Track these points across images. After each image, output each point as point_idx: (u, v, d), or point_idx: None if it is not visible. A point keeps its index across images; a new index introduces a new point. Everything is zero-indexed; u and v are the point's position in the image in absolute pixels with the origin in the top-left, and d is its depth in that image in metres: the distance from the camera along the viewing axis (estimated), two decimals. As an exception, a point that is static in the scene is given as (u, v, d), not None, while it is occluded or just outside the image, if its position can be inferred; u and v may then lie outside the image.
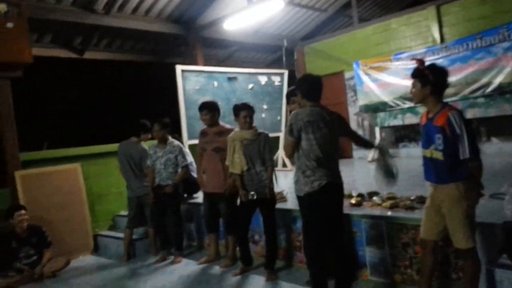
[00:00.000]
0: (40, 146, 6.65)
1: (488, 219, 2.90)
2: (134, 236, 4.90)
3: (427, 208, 2.67)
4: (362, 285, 3.37)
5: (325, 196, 2.86)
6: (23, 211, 4.48)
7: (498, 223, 2.72)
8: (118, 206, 5.57)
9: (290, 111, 3.29)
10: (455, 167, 2.44)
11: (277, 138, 7.45)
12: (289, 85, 7.22)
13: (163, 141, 4.56)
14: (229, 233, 4.20)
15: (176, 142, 4.65)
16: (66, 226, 5.10)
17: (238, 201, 3.91)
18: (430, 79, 2.50)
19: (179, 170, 4.53)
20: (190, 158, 5.07)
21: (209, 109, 4.17)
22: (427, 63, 2.64)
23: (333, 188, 2.91)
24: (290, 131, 2.93)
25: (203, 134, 4.28)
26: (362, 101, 7.84)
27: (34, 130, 6.38)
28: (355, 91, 8.16)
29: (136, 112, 6.39)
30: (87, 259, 5.13)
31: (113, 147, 5.28)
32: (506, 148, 6.59)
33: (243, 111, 3.75)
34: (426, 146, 2.59)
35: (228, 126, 4.23)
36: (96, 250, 5.39)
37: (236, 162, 3.74)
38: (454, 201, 2.44)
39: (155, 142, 4.66)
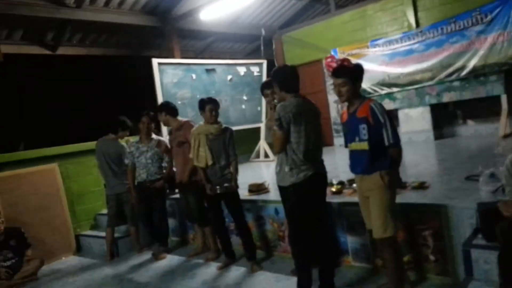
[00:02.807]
0: (17, 147, 6.47)
1: (464, 200, 2.97)
2: (116, 235, 4.84)
3: (360, 201, 2.84)
4: (345, 270, 3.43)
5: (310, 187, 2.85)
6: None
7: (473, 204, 2.79)
8: (99, 204, 5.49)
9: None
10: (379, 156, 2.55)
11: (258, 129, 7.45)
12: (268, 75, 7.19)
13: (148, 136, 4.48)
14: (204, 225, 4.24)
15: (161, 138, 4.64)
16: (47, 228, 5.01)
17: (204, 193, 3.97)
18: (356, 76, 2.64)
19: (164, 164, 4.49)
20: None
21: (159, 111, 4.32)
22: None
23: (318, 179, 2.91)
24: (279, 124, 2.77)
25: (170, 133, 4.45)
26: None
27: (9, 131, 6.19)
28: (334, 78, 8.18)
29: (113, 108, 6.27)
30: (69, 260, 5.05)
31: (90, 145, 5.18)
32: (481, 131, 6.74)
33: (209, 104, 3.77)
34: (350, 140, 2.73)
35: (184, 119, 4.35)
36: (78, 250, 5.32)
37: (201, 156, 3.76)
38: (378, 190, 2.56)
39: (131, 139, 4.58)
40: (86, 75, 7.35)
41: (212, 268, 3.93)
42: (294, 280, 3.11)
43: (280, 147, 2.83)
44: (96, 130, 5.02)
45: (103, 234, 4.98)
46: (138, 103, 6.32)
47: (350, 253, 3.49)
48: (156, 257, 4.45)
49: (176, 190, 5.11)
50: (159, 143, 4.49)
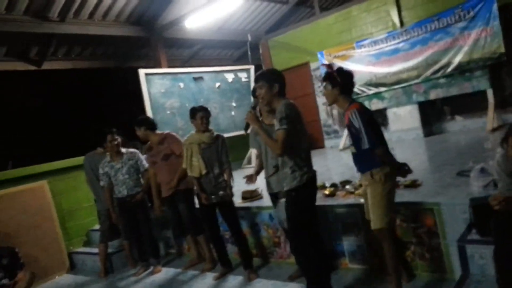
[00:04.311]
0: (5, 166, 6.37)
1: (456, 196, 2.97)
2: (109, 250, 4.77)
3: (363, 196, 2.90)
4: (343, 273, 3.41)
5: (311, 189, 2.87)
6: None
7: (465, 200, 2.79)
8: (90, 220, 5.41)
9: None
10: (367, 157, 2.66)
11: (248, 135, 7.40)
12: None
13: (117, 153, 4.37)
14: (197, 234, 4.19)
15: (130, 149, 4.52)
16: (39, 247, 4.92)
17: (196, 202, 3.96)
18: (338, 81, 2.71)
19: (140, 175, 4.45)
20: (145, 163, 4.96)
21: (137, 126, 4.22)
22: (335, 67, 2.88)
23: (314, 181, 2.91)
24: (290, 122, 2.67)
25: (149, 149, 4.31)
26: (329, 90, 7.90)
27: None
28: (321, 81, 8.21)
29: (102, 121, 6.20)
30: (64, 279, 4.96)
31: (79, 160, 5.12)
32: (469, 126, 6.80)
33: (200, 112, 3.76)
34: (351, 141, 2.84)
35: (164, 132, 4.34)
36: (72, 268, 5.22)
37: (195, 166, 3.73)
38: (371, 186, 2.69)
39: (104, 157, 4.48)
40: (73, 88, 7.28)
41: (208, 279, 3.88)
42: (291, 286, 3.09)
43: (286, 146, 2.69)
44: (85, 144, 4.96)
45: (96, 250, 4.90)
46: (126, 115, 6.26)
47: (347, 255, 3.48)
48: (151, 271, 4.39)
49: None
50: (132, 154, 4.43)
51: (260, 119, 3.09)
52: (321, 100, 8.24)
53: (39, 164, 5.35)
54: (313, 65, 8.47)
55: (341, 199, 3.64)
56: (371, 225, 2.74)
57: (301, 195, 2.77)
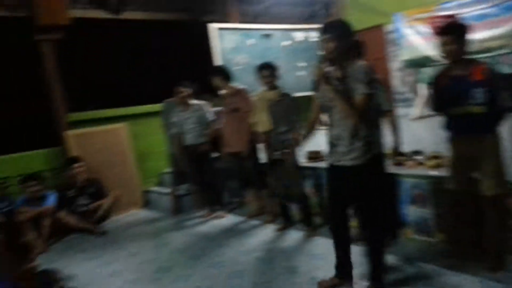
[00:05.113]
0: (87, 107, 6.87)
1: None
2: (180, 192, 5.18)
3: (456, 162, 2.75)
4: (406, 243, 3.39)
5: (381, 162, 2.64)
6: (80, 163, 4.90)
7: None
8: (163, 163, 5.82)
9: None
10: (496, 118, 2.56)
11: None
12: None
13: (186, 104, 4.68)
14: (261, 189, 4.38)
15: (199, 101, 4.79)
16: (117, 183, 5.43)
17: (262, 157, 4.09)
18: (466, 34, 2.54)
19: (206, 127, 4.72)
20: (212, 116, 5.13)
21: (215, 74, 4.35)
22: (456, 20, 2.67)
23: (383, 153, 2.69)
24: (373, 87, 2.43)
25: (220, 99, 4.47)
26: (404, 56, 7.52)
27: (80, 92, 6.59)
28: (396, 45, 7.81)
29: (174, 72, 6.48)
30: (138, 213, 5.52)
31: (155, 107, 5.47)
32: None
33: (263, 70, 3.81)
34: (455, 104, 2.62)
35: (239, 86, 4.38)
36: (146, 205, 5.75)
37: (261, 122, 3.83)
38: (493, 150, 2.56)
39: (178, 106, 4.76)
40: (146, 39, 7.60)
41: (269, 230, 4.12)
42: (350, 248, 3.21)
43: (365, 114, 2.40)
44: (159, 93, 5.28)
45: (168, 190, 5.35)
46: (196, 68, 6.47)
47: (411, 226, 3.49)
48: (215, 216, 4.74)
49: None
50: (200, 105, 4.72)
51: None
52: (394, 65, 7.89)
53: (118, 107, 5.80)
54: (388, 28, 8.04)
55: (410, 169, 3.61)
56: (485, 191, 2.59)
57: (376, 169, 2.53)
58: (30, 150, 5.27)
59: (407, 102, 7.95)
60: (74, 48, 6.69)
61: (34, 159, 5.22)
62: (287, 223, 4.10)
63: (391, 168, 3.63)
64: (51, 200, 4.71)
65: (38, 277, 2.46)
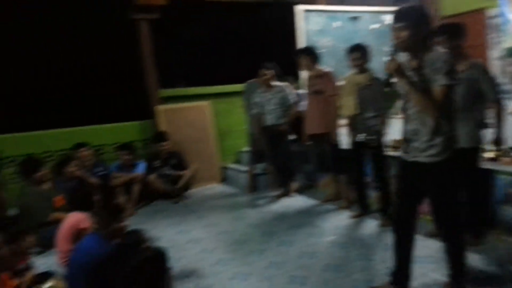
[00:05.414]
0: (177, 84, 7.23)
1: None
2: (257, 171, 5.34)
3: None
4: (495, 244, 3.12)
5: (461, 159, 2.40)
6: (165, 143, 5.31)
7: None
8: (242, 142, 6.01)
9: None
10: None
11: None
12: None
13: (269, 85, 4.75)
14: (339, 174, 4.34)
15: (281, 83, 4.85)
16: (198, 157, 5.75)
17: (344, 142, 4.01)
18: None
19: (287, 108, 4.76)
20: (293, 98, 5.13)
21: (303, 54, 4.29)
22: None
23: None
24: (455, 78, 2.22)
25: (305, 80, 4.46)
26: (508, 43, 6.77)
27: (171, 69, 6.95)
28: (499, 31, 7.05)
29: (256, 54, 6.58)
30: (216, 187, 5.82)
31: (236, 87, 5.65)
32: None
33: (354, 52, 3.69)
34: None
35: (326, 69, 4.30)
36: (223, 180, 6.03)
37: (347, 105, 3.74)
38: None
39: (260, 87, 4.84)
40: (234, 20, 7.78)
41: (344, 216, 4.08)
42: (428, 242, 3.06)
43: (446, 107, 2.22)
44: (242, 74, 5.42)
45: (245, 168, 5.54)
46: (279, 51, 6.49)
47: (503, 226, 3.22)
48: (288, 196, 4.84)
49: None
50: (282, 87, 4.77)
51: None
52: (494, 53, 7.16)
53: (204, 86, 6.08)
54: (490, 12, 7.27)
55: (505, 166, 3.29)
56: None
57: (452, 165, 2.30)
58: (124, 122, 5.77)
59: (507, 94, 7.19)
60: (167, 28, 7.03)
61: (128, 130, 5.72)
62: (363, 210, 4.02)
63: (485, 164, 3.36)
64: (141, 168, 5.15)
65: (127, 235, 2.70)
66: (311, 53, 4.32)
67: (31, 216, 3.67)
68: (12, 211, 3.94)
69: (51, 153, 5.12)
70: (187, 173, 5.31)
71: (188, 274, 3.10)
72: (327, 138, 4.23)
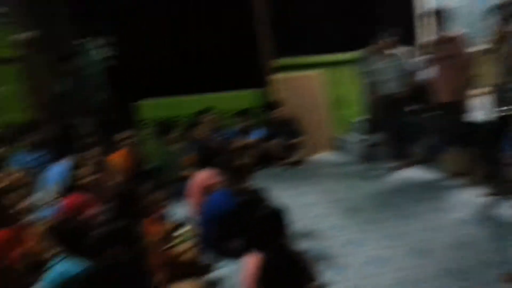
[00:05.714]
0: (292, 54, 7.18)
1: None
2: (372, 141, 5.19)
3: None
4: None
5: None
6: (279, 110, 5.48)
7: None
8: (355, 111, 5.84)
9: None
10: None
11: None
12: None
13: (386, 53, 4.58)
14: (467, 148, 3.96)
15: (400, 50, 4.63)
16: (311, 126, 5.76)
17: (479, 113, 3.71)
18: None
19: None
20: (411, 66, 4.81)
21: (434, 16, 4.04)
22: None
23: None
24: None
25: (430, 47, 4.16)
26: None
27: (287, 38, 6.91)
28: None
29: (372, 20, 6.22)
30: (329, 156, 5.82)
31: (352, 55, 5.45)
32: None
33: (502, 12, 3.18)
34: None
35: (455, 32, 3.95)
36: (336, 149, 5.98)
37: (487, 74, 3.37)
38: None
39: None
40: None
41: (474, 193, 3.73)
42: None
43: None
44: (360, 41, 5.17)
45: (359, 138, 5.43)
46: (397, 16, 6.06)
47: None
48: (404, 169, 4.62)
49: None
50: (400, 55, 4.57)
51: None
52: None
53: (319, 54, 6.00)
54: None
55: None
56: None
57: None
58: (241, 89, 6.04)
59: None
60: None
61: (245, 98, 5.98)
62: (497, 189, 3.62)
63: None
64: (257, 134, 5.40)
65: (251, 193, 2.92)
66: (437, 17, 4.01)
67: (165, 172, 4.16)
68: (147, 167, 4.50)
69: (181, 117, 5.66)
70: (301, 140, 5.41)
71: (305, 235, 3.21)
72: (457, 107, 3.88)
